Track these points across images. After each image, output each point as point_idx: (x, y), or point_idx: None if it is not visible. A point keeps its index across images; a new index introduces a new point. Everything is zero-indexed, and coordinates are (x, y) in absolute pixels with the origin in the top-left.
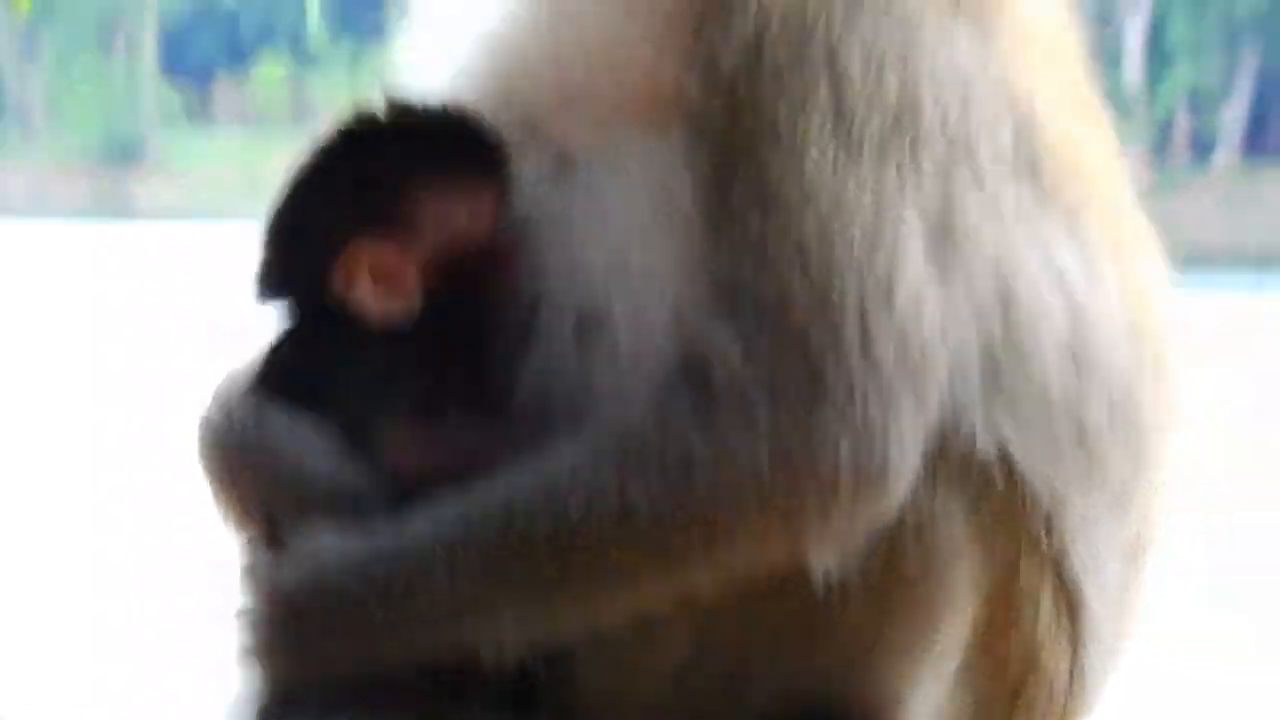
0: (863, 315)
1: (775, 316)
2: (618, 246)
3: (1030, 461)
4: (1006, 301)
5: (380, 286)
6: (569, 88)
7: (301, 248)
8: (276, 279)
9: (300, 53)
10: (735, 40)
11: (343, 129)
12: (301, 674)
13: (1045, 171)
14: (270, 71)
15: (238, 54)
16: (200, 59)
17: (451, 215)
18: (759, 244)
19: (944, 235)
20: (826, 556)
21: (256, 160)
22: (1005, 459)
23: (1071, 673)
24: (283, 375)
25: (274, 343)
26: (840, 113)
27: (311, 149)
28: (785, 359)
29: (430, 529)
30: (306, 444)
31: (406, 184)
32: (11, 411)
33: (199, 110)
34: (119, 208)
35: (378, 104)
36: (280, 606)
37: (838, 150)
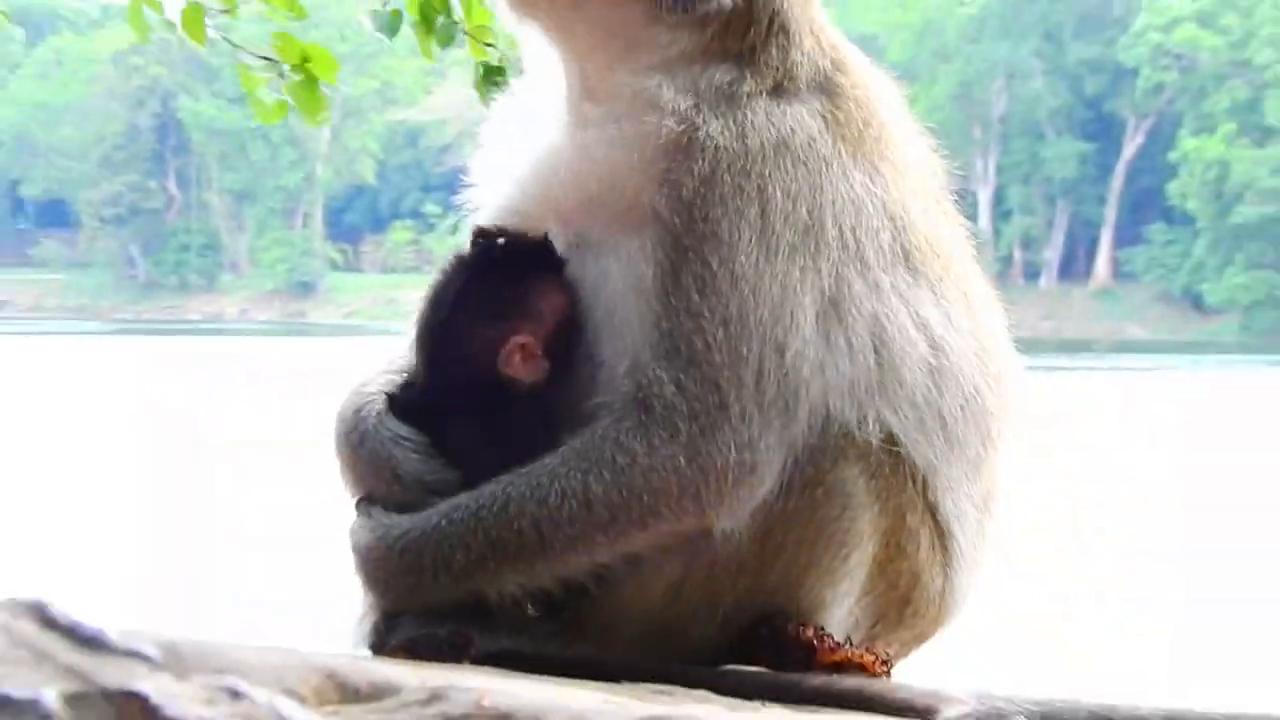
0: (759, 367)
1: (700, 365)
2: (608, 307)
3: (909, 442)
4: (879, 344)
5: (528, 365)
6: (584, 199)
7: (470, 338)
8: (451, 356)
9: (420, 221)
10: (694, 174)
11: (486, 255)
12: (395, 598)
13: (914, 257)
14: (400, 234)
15: (378, 222)
16: (352, 226)
17: (556, 306)
18: (696, 313)
19: (833, 309)
20: (724, 523)
21: (391, 295)
22: (892, 441)
23: (944, 588)
24: (413, 402)
25: (411, 379)
26: (764, 228)
27: (462, 265)
28: (703, 395)
29: (473, 505)
30: (404, 445)
31: (536, 293)
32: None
33: (352, 261)
34: (298, 327)
35: (493, 239)
36: (393, 556)
37: (759, 253)
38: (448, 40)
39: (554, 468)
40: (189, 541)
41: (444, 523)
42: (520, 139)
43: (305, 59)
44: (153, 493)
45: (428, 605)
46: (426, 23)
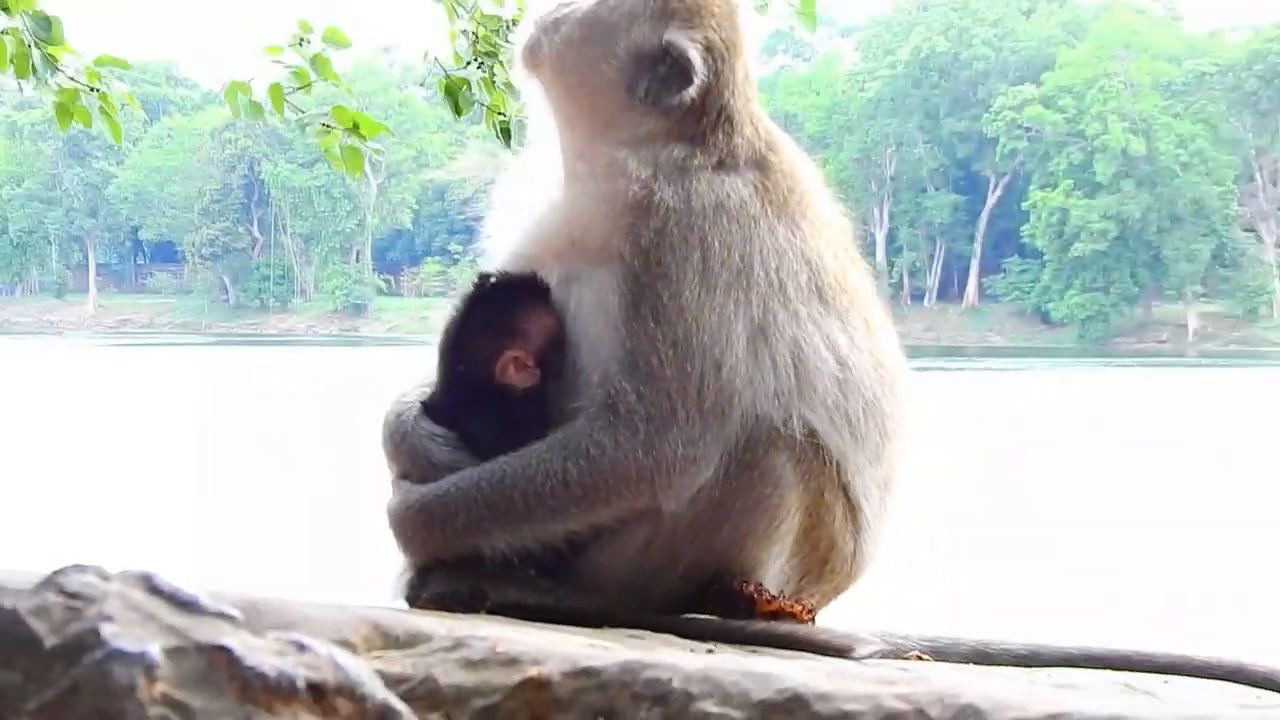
0: (701, 380)
1: (654, 378)
2: (586, 329)
3: (825, 435)
4: (799, 362)
5: (520, 374)
6: (570, 241)
7: (473, 355)
8: (461, 369)
9: (447, 256)
10: (650, 227)
11: (481, 291)
12: (415, 551)
13: (826, 293)
14: (431, 267)
15: (414, 258)
16: (394, 260)
17: (544, 326)
18: (651, 336)
19: (761, 334)
20: (670, 504)
21: (424, 314)
22: (812, 435)
23: (855, 551)
24: (440, 406)
25: (437, 388)
26: (705, 270)
27: (465, 301)
28: (657, 402)
29: (475, 476)
30: (436, 440)
31: (523, 317)
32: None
33: (394, 288)
34: (353, 339)
35: (492, 277)
36: (411, 515)
37: (701, 289)
38: (469, 108)
39: (540, 452)
40: (272, 510)
41: (451, 489)
42: (524, 197)
43: (355, 124)
44: (242, 471)
45: (440, 558)
46: (453, 97)
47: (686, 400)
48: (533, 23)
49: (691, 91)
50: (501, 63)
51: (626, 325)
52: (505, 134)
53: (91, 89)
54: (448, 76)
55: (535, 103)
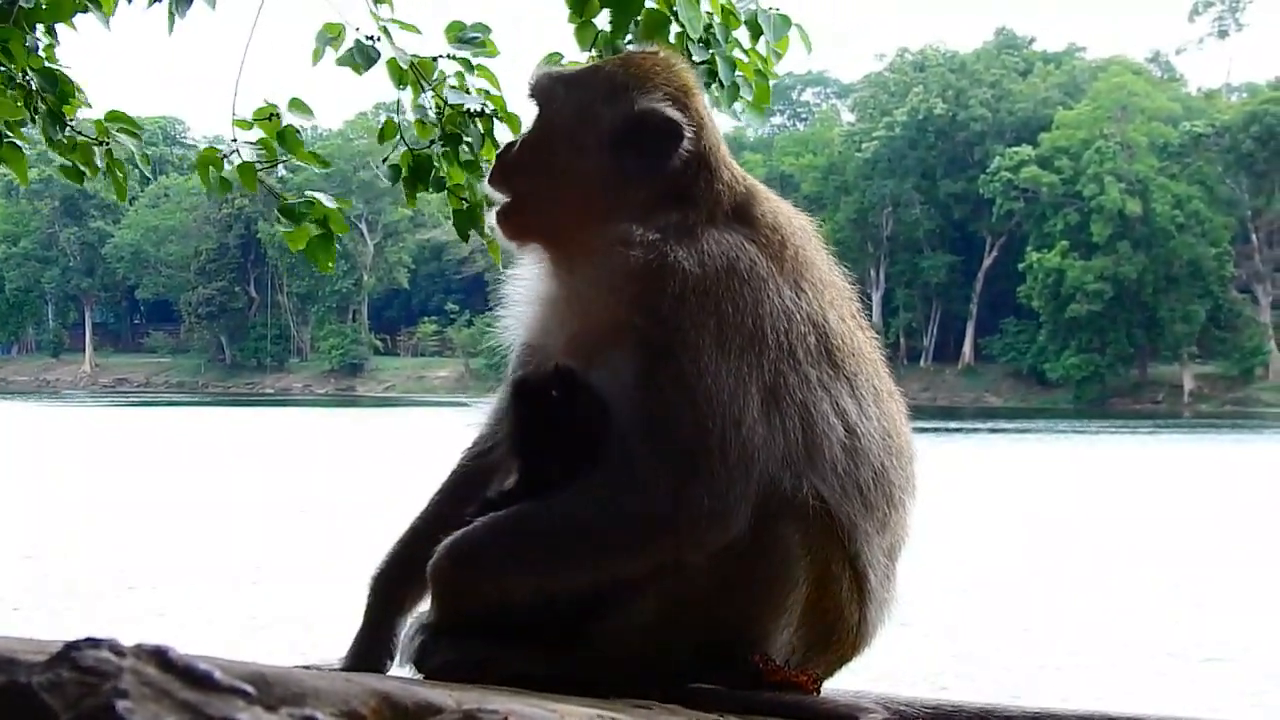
0: (723, 437)
1: (675, 439)
2: (610, 401)
3: (834, 504)
4: (808, 426)
5: None
6: (582, 324)
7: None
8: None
9: (443, 316)
10: (667, 296)
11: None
12: (452, 602)
13: (834, 356)
14: (427, 327)
15: (410, 317)
16: (390, 319)
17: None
18: (671, 401)
19: (772, 397)
20: (696, 559)
21: (421, 374)
22: (821, 503)
23: (860, 620)
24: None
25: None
26: (720, 336)
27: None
28: (680, 460)
29: (502, 517)
30: None
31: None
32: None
33: (390, 347)
34: (349, 399)
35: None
36: (441, 557)
37: (717, 354)
38: (439, 189)
39: (565, 500)
40: (275, 572)
41: (480, 527)
42: (529, 292)
43: (325, 218)
44: (240, 529)
45: (464, 609)
46: (418, 175)
47: (710, 456)
48: (492, 188)
49: (686, 145)
50: (465, 144)
51: (643, 394)
52: (463, 220)
53: (101, 142)
54: (410, 150)
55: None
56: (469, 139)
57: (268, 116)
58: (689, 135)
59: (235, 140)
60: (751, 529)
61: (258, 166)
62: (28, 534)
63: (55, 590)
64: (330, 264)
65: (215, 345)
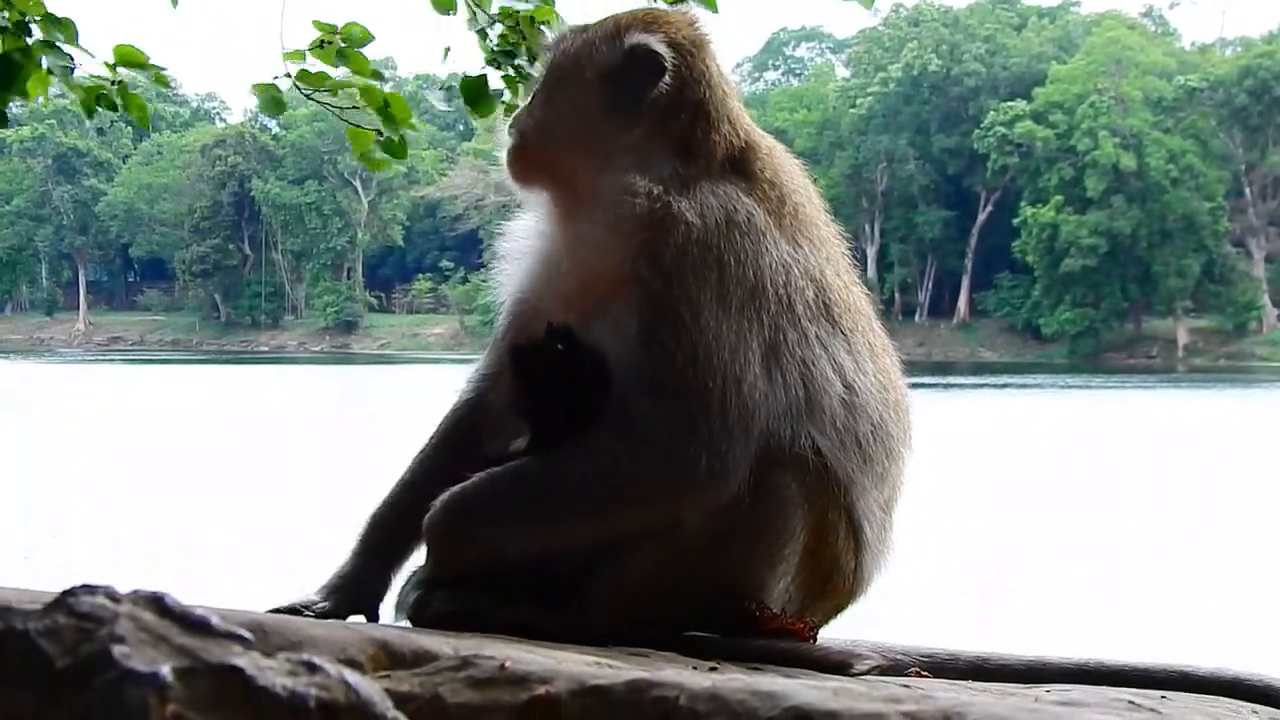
0: (723, 396)
1: (675, 396)
2: (609, 355)
3: (832, 458)
4: (807, 381)
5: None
6: (582, 276)
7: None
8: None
9: (438, 273)
10: (670, 246)
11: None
12: (448, 555)
13: (832, 313)
14: (422, 284)
15: (405, 274)
16: (385, 277)
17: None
18: (671, 357)
19: (773, 353)
20: (695, 517)
21: (415, 331)
22: (819, 455)
23: (855, 570)
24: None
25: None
26: (722, 289)
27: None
28: (679, 419)
29: (501, 471)
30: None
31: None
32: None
33: (385, 305)
34: (344, 356)
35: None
36: (438, 510)
37: (719, 310)
38: (491, 109)
39: (563, 456)
40: (263, 525)
41: (477, 482)
42: (523, 247)
43: (386, 104)
44: (233, 483)
45: (461, 562)
46: (474, 97)
47: (710, 415)
48: (505, 133)
49: (666, 79)
50: (524, 59)
51: (645, 348)
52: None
53: (113, 82)
54: (467, 76)
55: (528, 199)
56: (521, 59)
57: (327, 37)
58: (670, 68)
59: (285, 74)
60: (750, 480)
61: (305, 92)
62: (25, 492)
63: (45, 543)
64: (403, 156)
65: (210, 303)
